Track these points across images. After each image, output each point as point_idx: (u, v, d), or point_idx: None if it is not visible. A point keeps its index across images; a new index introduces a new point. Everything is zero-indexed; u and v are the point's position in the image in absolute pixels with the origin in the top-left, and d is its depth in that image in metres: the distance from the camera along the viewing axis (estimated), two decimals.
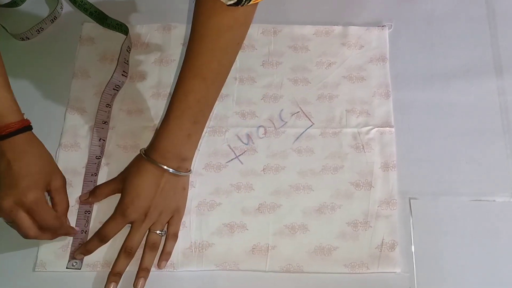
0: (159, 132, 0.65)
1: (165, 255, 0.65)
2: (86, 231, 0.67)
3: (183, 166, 0.65)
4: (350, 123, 0.73)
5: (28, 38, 0.79)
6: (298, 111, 0.74)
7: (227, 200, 0.69)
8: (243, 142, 0.73)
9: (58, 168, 0.66)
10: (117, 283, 0.63)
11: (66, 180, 0.67)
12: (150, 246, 0.64)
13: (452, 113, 0.74)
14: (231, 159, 0.72)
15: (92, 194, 0.68)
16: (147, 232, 0.65)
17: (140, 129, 0.74)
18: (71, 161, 0.71)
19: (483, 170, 0.70)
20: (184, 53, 0.62)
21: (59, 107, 0.75)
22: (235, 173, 0.71)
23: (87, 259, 0.66)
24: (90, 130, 0.73)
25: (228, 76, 0.75)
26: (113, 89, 0.75)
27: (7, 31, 0.78)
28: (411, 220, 0.68)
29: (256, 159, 0.71)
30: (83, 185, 0.70)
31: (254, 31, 0.79)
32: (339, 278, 0.65)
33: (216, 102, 0.74)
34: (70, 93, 0.76)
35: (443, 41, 0.78)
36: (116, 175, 0.70)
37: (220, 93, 0.75)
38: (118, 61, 0.76)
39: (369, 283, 0.65)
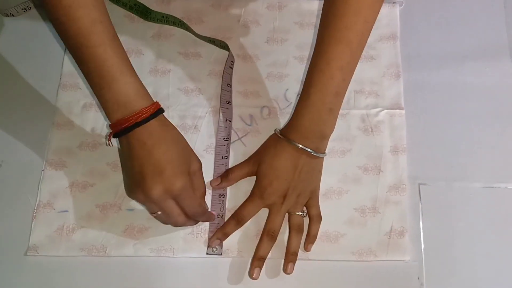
0: (298, 109, 0.61)
1: (312, 237, 0.63)
2: (222, 215, 0.64)
3: (321, 146, 0.62)
4: (359, 105, 0.70)
5: (13, 15, 0.75)
6: None
7: None
8: (246, 123, 0.69)
9: (193, 151, 0.61)
10: (261, 268, 0.61)
11: (61, 161, 0.64)
12: (296, 229, 0.62)
13: (465, 96, 0.71)
14: (234, 141, 0.68)
15: (225, 178, 0.65)
16: (287, 215, 0.63)
17: None
18: (65, 140, 0.68)
19: (496, 156, 0.68)
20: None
21: (51, 82, 0.71)
22: (238, 156, 0.67)
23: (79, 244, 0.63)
24: (85, 107, 0.69)
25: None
26: (230, 67, 0.71)
27: None
28: (420, 207, 0.65)
29: (260, 141, 0.68)
30: (214, 169, 0.67)
31: (258, 5, 0.76)
32: (345, 266, 0.63)
33: (218, 80, 0.72)
34: (63, 68, 0.72)
35: (456, 20, 0.75)
36: (112, 155, 0.67)
37: (222, 71, 0.72)
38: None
39: (376, 271, 0.63)
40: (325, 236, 0.64)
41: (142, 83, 0.57)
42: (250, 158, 0.66)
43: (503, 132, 0.69)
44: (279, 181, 0.61)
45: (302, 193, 0.63)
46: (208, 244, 0.63)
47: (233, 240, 0.63)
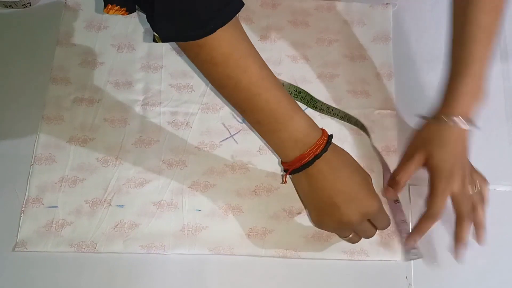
0: (455, 86, 0.60)
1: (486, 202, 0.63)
2: (404, 220, 0.65)
3: (475, 118, 0.61)
4: (350, 105, 0.70)
5: None
6: None
7: (221, 181, 0.66)
8: (238, 121, 0.69)
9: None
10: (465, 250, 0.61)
11: (51, 155, 0.64)
12: (480, 204, 0.62)
13: None
14: (226, 138, 0.68)
15: (395, 185, 0.64)
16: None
17: (128, 102, 0.69)
18: (55, 134, 0.67)
19: (484, 158, 0.68)
20: None
21: (42, 76, 0.70)
22: (230, 153, 0.67)
23: (72, 239, 0.62)
24: (75, 101, 0.69)
25: None
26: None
27: None
28: (410, 207, 0.66)
29: (252, 139, 0.68)
30: (383, 176, 0.67)
31: (252, 3, 0.75)
32: (336, 264, 0.63)
33: None
34: (54, 61, 0.71)
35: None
36: (103, 150, 0.66)
37: None
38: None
39: (365, 270, 0.63)
40: (318, 234, 0.64)
41: (307, 114, 0.58)
42: (409, 155, 0.63)
43: (492, 134, 0.70)
44: (457, 168, 0.61)
45: (473, 172, 0.63)
46: (406, 248, 0.63)
47: (223, 237, 0.63)
